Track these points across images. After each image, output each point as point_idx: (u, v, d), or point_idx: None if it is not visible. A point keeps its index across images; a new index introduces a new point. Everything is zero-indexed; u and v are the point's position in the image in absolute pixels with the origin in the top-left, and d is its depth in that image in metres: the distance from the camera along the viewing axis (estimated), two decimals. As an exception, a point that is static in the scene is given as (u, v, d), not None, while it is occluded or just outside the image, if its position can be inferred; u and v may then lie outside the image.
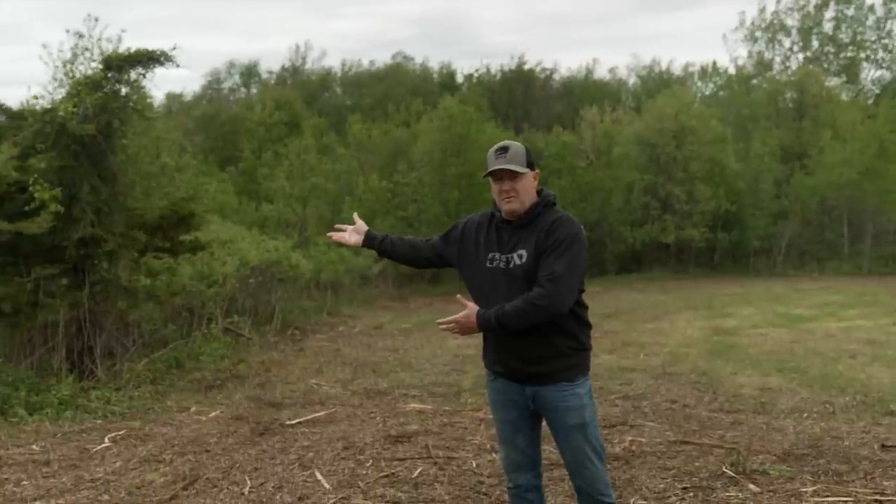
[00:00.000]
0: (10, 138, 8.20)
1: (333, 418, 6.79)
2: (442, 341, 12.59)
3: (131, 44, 12.02)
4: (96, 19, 9.48)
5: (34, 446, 5.92)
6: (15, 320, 7.91)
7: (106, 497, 4.69)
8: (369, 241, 3.53)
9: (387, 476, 4.94)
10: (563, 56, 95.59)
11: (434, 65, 54.19)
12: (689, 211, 29.20)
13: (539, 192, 3.24)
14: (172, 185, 13.06)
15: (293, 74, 55.28)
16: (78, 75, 8.96)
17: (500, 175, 3.15)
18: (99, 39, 9.82)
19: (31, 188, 7.58)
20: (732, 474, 4.71)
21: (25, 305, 7.79)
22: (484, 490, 4.63)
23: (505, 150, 3.18)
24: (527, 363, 3.15)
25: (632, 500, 4.34)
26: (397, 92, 43.84)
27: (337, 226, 3.65)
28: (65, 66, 9.90)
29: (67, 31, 9.88)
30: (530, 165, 3.21)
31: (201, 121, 41.78)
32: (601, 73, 58.03)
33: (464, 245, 3.33)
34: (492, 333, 3.20)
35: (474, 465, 5.14)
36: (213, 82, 55.09)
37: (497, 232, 3.24)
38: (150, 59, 8.29)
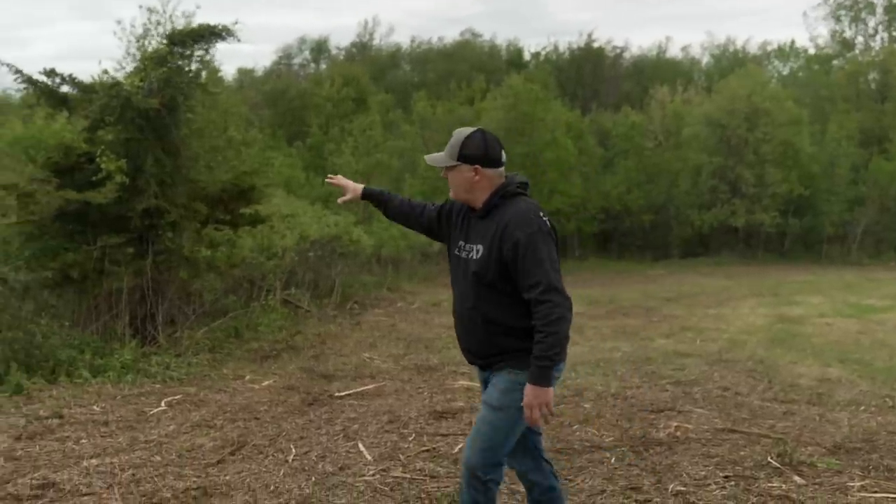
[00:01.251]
0: (80, 111, 8.48)
1: (382, 392, 6.88)
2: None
3: (205, 19, 12.27)
4: (170, -6, 9.71)
5: (95, 407, 6.17)
6: (82, 287, 8.23)
7: (157, 458, 4.86)
8: (366, 194, 3.49)
9: (427, 450, 5.00)
10: (634, 34, 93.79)
11: (501, 42, 53.65)
12: (758, 195, 28.41)
13: (506, 178, 3.11)
14: (238, 159, 13.35)
15: (361, 50, 55.58)
16: (149, 50, 9.20)
17: None
18: (171, 15, 10.08)
19: (98, 159, 7.85)
20: (778, 465, 4.60)
21: (92, 273, 8.09)
22: (522, 469, 4.62)
23: (451, 137, 3.11)
24: (477, 356, 3.17)
25: (671, 487, 4.29)
26: (461, 69, 43.62)
27: (333, 180, 3.60)
28: (137, 41, 10.19)
29: (140, 7, 10.17)
30: (465, 158, 3.04)
31: (270, 95, 42.39)
32: (674, 51, 56.69)
33: (450, 224, 3.28)
34: (455, 325, 3.22)
35: (515, 443, 5.15)
36: (284, 58, 55.80)
37: (467, 219, 3.19)
38: (212, 34, 8.46)
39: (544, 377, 2.90)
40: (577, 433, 5.39)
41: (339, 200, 3.59)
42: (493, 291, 3.02)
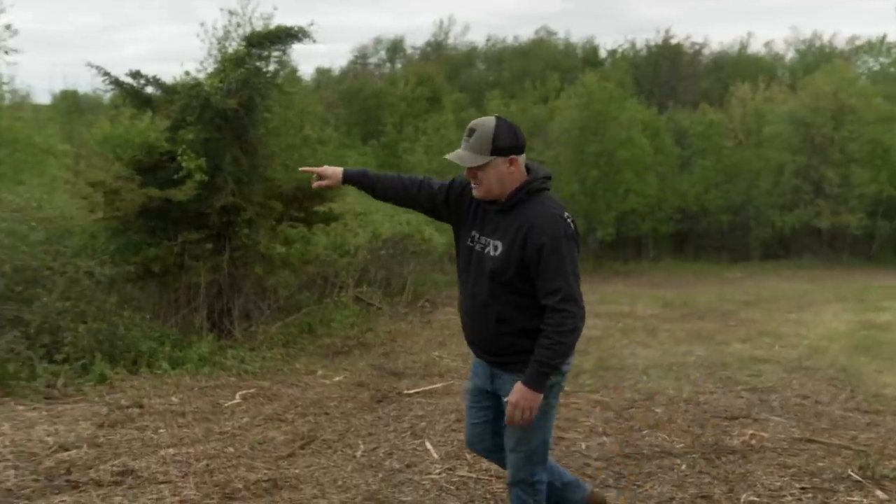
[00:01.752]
0: (163, 111, 8.78)
1: (450, 390, 6.89)
2: (568, 321, 12.47)
3: (283, 20, 12.55)
4: (249, -3, 9.95)
5: (173, 398, 6.37)
6: (163, 281, 8.51)
7: (231, 449, 4.99)
8: (348, 177, 3.19)
9: (494, 451, 4.98)
10: (715, 29, 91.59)
11: (577, 40, 53.15)
12: (844, 195, 27.36)
13: (529, 171, 2.96)
14: (314, 157, 13.60)
15: (436, 50, 55.83)
16: (230, 52, 9.46)
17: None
18: (250, 17, 10.33)
19: (179, 158, 8.11)
20: (859, 478, 4.42)
21: (173, 267, 8.36)
22: (590, 473, 4.58)
23: (470, 133, 2.88)
24: (485, 352, 3.10)
25: (743, 497, 4.17)
26: (536, 67, 43.39)
27: (308, 169, 3.30)
28: (218, 43, 10.48)
29: (221, 10, 10.45)
30: (500, 151, 2.86)
31: (346, 95, 42.98)
32: (756, 47, 54.96)
33: (460, 210, 3.09)
34: (462, 317, 3.14)
35: (583, 446, 5.10)
36: (360, 57, 56.55)
37: (483, 210, 3.02)
38: (288, 35, 8.63)
39: (540, 382, 2.86)
40: (647, 438, 5.30)
41: (314, 185, 3.25)
42: (509, 291, 2.92)
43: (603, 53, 49.53)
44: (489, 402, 3.22)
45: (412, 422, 5.71)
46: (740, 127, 31.65)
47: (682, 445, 5.11)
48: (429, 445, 5.09)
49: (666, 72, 45.15)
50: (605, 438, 5.27)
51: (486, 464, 4.69)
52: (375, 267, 13.74)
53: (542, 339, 2.82)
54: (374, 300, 12.54)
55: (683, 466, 4.68)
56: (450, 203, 3.12)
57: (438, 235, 19.03)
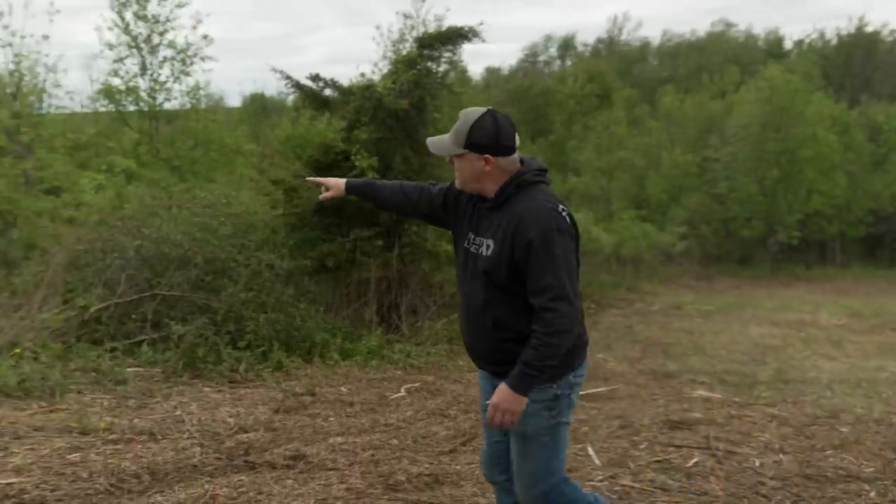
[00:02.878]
0: (339, 112, 9.17)
1: (615, 395, 6.72)
2: (744, 327, 11.86)
3: (455, 21, 12.79)
4: (423, 0, 10.24)
5: (343, 388, 6.64)
6: (336, 275, 8.90)
7: (395, 441, 5.12)
8: (350, 188, 3.15)
9: (659, 461, 4.80)
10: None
11: (759, 31, 50.35)
12: None
13: (522, 163, 2.77)
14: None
15: (608, 46, 54.81)
16: (403, 53, 9.74)
17: None
18: (423, 19, 10.60)
19: (353, 157, 8.43)
20: None
21: (345, 263, 8.72)
22: (764, 492, 4.29)
23: (458, 120, 2.76)
24: (486, 361, 2.90)
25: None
26: (714, 61, 41.51)
27: (312, 180, 3.36)
28: (393, 45, 10.82)
29: (397, 13, 10.79)
30: (473, 147, 2.70)
31: (515, 93, 43.06)
32: (969, 32, 49.59)
33: (457, 212, 2.94)
34: (461, 322, 2.95)
35: (757, 463, 4.79)
36: (530, 56, 56.55)
37: (477, 210, 2.85)
38: (458, 35, 8.75)
39: (524, 385, 2.64)
40: (831, 459, 4.91)
41: (321, 197, 3.22)
42: (503, 293, 2.73)
43: (788, 45, 46.69)
44: None
45: (575, 425, 5.58)
46: (946, 121, 28.75)
47: (871, 470, 4.69)
48: (591, 451, 4.98)
49: (859, 62, 41.76)
50: (781, 456, 4.93)
51: (650, 474, 4.53)
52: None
53: (531, 340, 2.62)
54: (539, 300, 12.46)
55: (873, 493, 4.29)
56: (447, 207, 2.97)
57: (606, 236, 18.70)
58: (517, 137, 2.75)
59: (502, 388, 2.66)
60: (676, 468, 4.66)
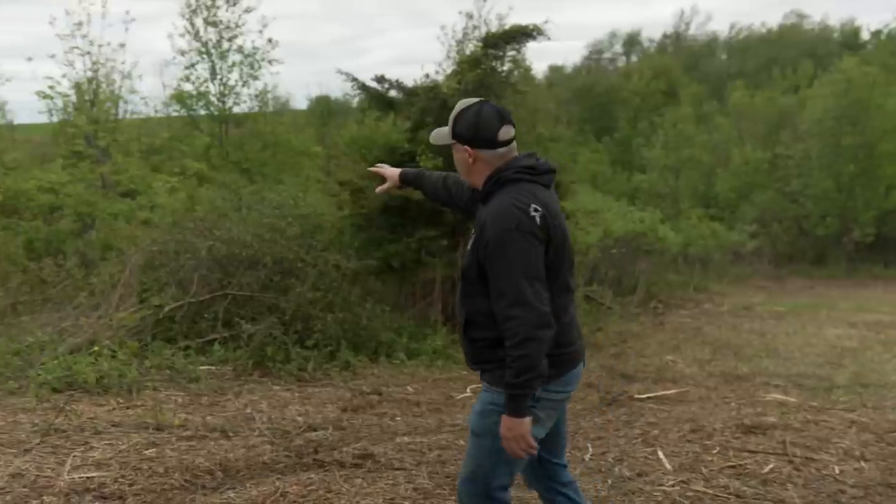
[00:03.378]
0: (404, 113, 9.22)
1: (684, 398, 6.59)
2: (818, 329, 11.50)
3: (520, 19, 12.75)
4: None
5: (409, 387, 6.67)
6: (401, 275, 8.96)
7: (461, 442, 5.11)
8: (404, 178, 3.11)
9: (733, 467, 4.67)
10: None
11: (834, 22, 48.74)
12: None
13: (502, 167, 2.63)
14: (546, 155, 13.61)
15: (675, 41, 53.87)
16: (467, 53, 9.74)
17: None
18: (485, 18, 10.59)
19: (418, 158, 8.46)
20: None
21: (410, 262, 8.77)
22: (844, 501, 4.14)
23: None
24: (467, 361, 2.79)
25: None
26: (786, 55, 40.36)
27: (375, 170, 3.23)
28: (457, 45, 10.83)
29: (460, 13, 10.81)
30: (457, 136, 2.65)
31: (579, 91, 42.71)
32: None
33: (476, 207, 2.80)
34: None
35: (837, 470, 4.62)
36: (594, 53, 55.99)
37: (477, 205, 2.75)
38: (523, 34, 8.70)
39: (517, 408, 2.49)
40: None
41: (378, 190, 3.21)
42: (476, 293, 2.62)
43: (865, 35, 45.00)
44: None
45: (644, 428, 5.52)
46: None
47: (959, 479, 4.48)
48: (661, 455, 4.88)
49: (942, 52, 40.02)
50: (862, 464, 4.74)
51: (724, 480, 4.42)
52: (606, 266, 13.51)
53: (507, 360, 2.48)
54: (605, 299, 12.33)
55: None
56: (475, 201, 2.83)
57: (674, 235, 18.37)
58: (509, 131, 2.62)
59: (503, 420, 2.53)
60: (751, 474, 4.52)
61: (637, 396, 6.54)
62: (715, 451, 4.97)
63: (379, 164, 3.26)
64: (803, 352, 9.27)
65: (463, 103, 2.67)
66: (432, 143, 2.79)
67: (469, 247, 2.64)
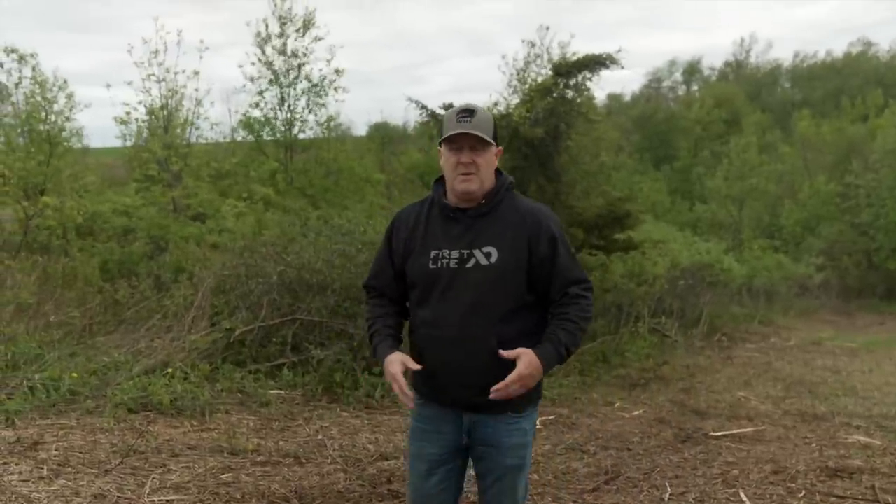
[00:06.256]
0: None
1: (762, 437, 6.37)
2: (896, 368, 11.07)
3: (579, 48, 12.74)
4: (547, 28, 10.25)
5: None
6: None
7: (535, 476, 5.02)
8: (392, 352, 2.69)
9: (822, 512, 4.48)
10: None
11: (904, 50, 47.50)
12: None
13: (497, 174, 2.64)
14: (609, 184, 13.51)
15: (736, 69, 53.20)
16: (529, 81, 9.75)
17: (460, 143, 2.50)
18: (548, 47, 10.60)
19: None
20: None
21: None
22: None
23: (470, 112, 2.51)
24: (476, 392, 2.52)
25: None
26: (853, 84, 39.47)
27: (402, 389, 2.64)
28: (518, 73, 10.86)
29: (522, 41, 10.85)
30: (497, 139, 2.60)
31: (639, 120, 42.38)
32: None
33: (401, 244, 2.67)
34: (434, 356, 2.59)
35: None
36: (653, 81, 55.64)
37: (443, 222, 2.60)
38: (596, 63, 8.66)
39: (553, 363, 2.52)
40: None
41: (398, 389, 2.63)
42: (512, 304, 2.53)
43: (936, 64, 43.79)
44: (456, 463, 2.73)
45: (722, 468, 5.34)
46: None
47: None
48: (743, 497, 4.71)
49: None
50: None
51: (814, 526, 4.23)
52: (670, 297, 13.27)
53: (566, 323, 2.51)
54: (670, 332, 12.09)
55: None
56: (395, 260, 2.70)
57: (738, 266, 17.98)
58: None
59: (534, 360, 2.44)
60: (842, 521, 4.34)
61: (713, 434, 6.35)
62: (801, 495, 4.79)
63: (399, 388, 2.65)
64: (882, 391, 8.92)
65: (474, 105, 2.60)
66: (479, 134, 2.50)
67: (495, 261, 2.52)
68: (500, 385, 2.44)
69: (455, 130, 2.50)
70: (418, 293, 2.65)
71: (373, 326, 2.78)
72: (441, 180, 2.69)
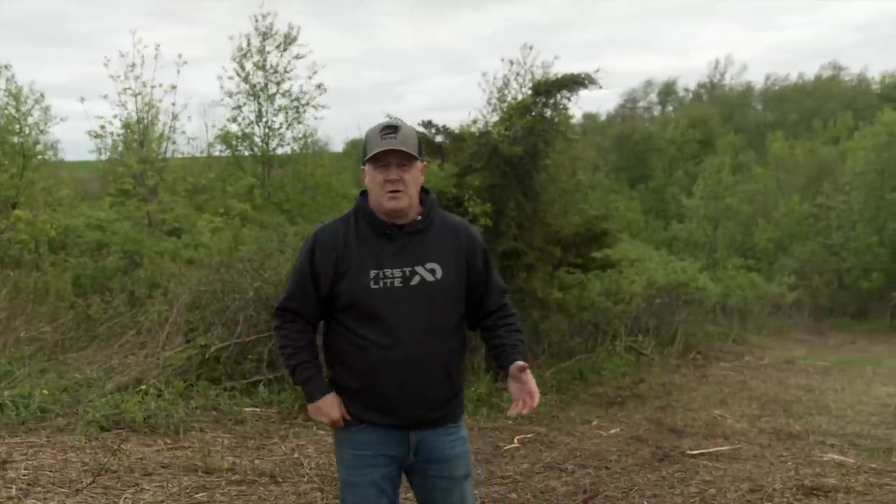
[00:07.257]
0: (451, 158, 9.25)
1: (738, 455, 6.39)
2: (867, 387, 11.21)
3: (560, 68, 12.85)
4: (530, 48, 10.33)
5: (455, 436, 6.55)
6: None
7: (514, 496, 4.99)
8: (326, 392, 2.64)
9: (799, 531, 4.50)
10: None
11: (874, 75, 48.49)
12: None
13: (422, 191, 2.63)
14: (585, 202, 13.59)
15: (710, 91, 53.94)
16: (510, 100, 9.81)
17: (386, 160, 2.46)
18: (530, 66, 10.67)
19: (465, 203, 8.46)
20: None
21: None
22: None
23: (394, 129, 2.49)
24: (429, 409, 2.56)
25: None
26: (826, 107, 40.18)
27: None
28: (498, 91, 10.92)
29: (502, 60, 10.90)
30: (421, 154, 2.59)
31: (616, 140, 42.77)
32: None
33: (328, 268, 2.54)
34: (390, 376, 2.51)
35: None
36: (629, 101, 56.20)
37: (377, 239, 2.54)
38: (575, 82, 8.74)
39: None
40: None
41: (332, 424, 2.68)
42: (456, 319, 2.62)
43: (905, 88, 44.72)
44: (398, 482, 2.69)
45: (700, 486, 5.34)
46: None
47: None
48: (721, 515, 4.72)
49: None
50: (936, 532, 4.54)
51: (791, 545, 4.24)
52: (646, 315, 13.34)
53: (514, 333, 2.67)
54: (646, 350, 12.15)
55: None
56: (320, 274, 2.56)
57: (713, 285, 18.13)
58: None
59: (530, 378, 2.58)
60: (819, 540, 4.35)
61: (689, 452, 6.36)
62: (777, 514, 4.80)
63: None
64: (855, 410, 9.01)
65: (397, 121, 2.61)
66: (405, 150, 2.48)
67: (441, 277, 2.54)
68: (533, 401, 2.59)
69: (380, 148, 2.47)
70: (356, 314, 2.53)
71: (295, 357, 2.64)
72: (365, 194, 2.62)
